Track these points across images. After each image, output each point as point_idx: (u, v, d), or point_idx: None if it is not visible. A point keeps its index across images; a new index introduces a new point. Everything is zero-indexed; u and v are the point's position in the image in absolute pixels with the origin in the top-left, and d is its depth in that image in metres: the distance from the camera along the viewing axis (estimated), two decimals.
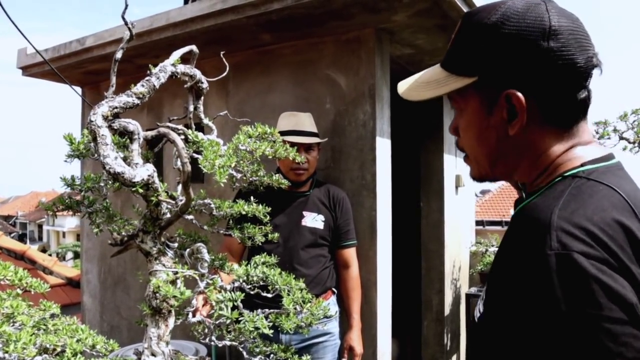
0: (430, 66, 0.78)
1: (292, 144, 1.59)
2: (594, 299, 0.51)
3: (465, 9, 2.17)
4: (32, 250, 4.86)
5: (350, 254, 2.17)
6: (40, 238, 36.22)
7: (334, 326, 2.11)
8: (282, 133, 1.98)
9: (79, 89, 3.68)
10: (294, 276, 1.26)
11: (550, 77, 0.64)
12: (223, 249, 2.16)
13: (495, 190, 18.11)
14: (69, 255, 22.87)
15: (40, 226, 36.48)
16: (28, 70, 3.29)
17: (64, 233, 32.22)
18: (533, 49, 0.64)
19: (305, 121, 2.15)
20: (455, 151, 3.72)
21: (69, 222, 30.54)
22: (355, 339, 2.09)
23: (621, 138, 2.21)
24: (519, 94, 0.65)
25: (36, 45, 2.54)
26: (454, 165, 3.70)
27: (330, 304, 2.11)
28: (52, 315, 1.03)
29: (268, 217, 1.34)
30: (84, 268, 3.77)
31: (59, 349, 0.94)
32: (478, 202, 14.05)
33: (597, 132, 2.26)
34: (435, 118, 3.49)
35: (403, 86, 0.79)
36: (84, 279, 3.78)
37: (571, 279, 0.52)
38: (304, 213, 2.10)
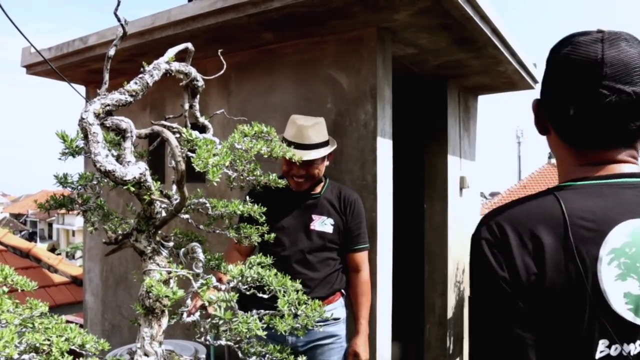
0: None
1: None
2: (479, 267, 0.81)
3: (468, 8, 2.15)
4: (37, 248, 4.89)
5: (362, 257, 2.10)
6: (50, 236, 36.55)
7: (341, 329, 2.07)
8: (286, 142, 1.87)
9: (82, 88, 3.69)
10: (289, 277, 1.24)
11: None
12: (231, 249, 2.15)
13: (504, 193, 17.98)
14: (78, 253, 23.03)
15: (50, 225, 36.81)
16: (32, 68, 3.31)
17: (73, 232, 32.46)
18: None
19: (306, 132, 1.99)
20: (460, 152, 3.68)
21: (79, 221, 30.70)
22: (361, 345, 2.04)
23: None
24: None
25: (43, 46, 2.56)
26: (459, 166, 3.66)
27: (338, 306, 2.07)
28: (42, 314, 1.02)
29: (264, 217, 1.32)
30: (86, 267, 3.78)
31: (46, 348, 0.93)
32: (487, 205, 13.93)
33: None
34: (439, 119, 3.46)
35: None
36: (86, 278, 3.79)
37: (474, 253, 0.82)
38: (313, 216, 2.06)
